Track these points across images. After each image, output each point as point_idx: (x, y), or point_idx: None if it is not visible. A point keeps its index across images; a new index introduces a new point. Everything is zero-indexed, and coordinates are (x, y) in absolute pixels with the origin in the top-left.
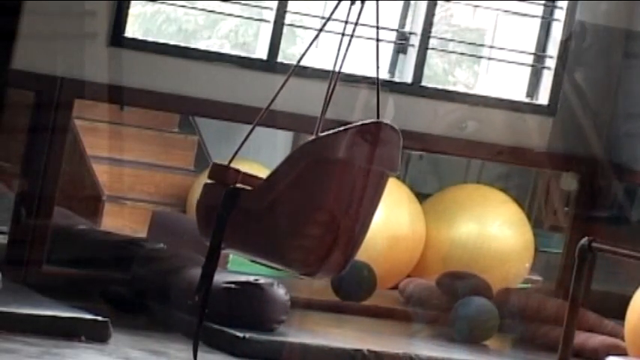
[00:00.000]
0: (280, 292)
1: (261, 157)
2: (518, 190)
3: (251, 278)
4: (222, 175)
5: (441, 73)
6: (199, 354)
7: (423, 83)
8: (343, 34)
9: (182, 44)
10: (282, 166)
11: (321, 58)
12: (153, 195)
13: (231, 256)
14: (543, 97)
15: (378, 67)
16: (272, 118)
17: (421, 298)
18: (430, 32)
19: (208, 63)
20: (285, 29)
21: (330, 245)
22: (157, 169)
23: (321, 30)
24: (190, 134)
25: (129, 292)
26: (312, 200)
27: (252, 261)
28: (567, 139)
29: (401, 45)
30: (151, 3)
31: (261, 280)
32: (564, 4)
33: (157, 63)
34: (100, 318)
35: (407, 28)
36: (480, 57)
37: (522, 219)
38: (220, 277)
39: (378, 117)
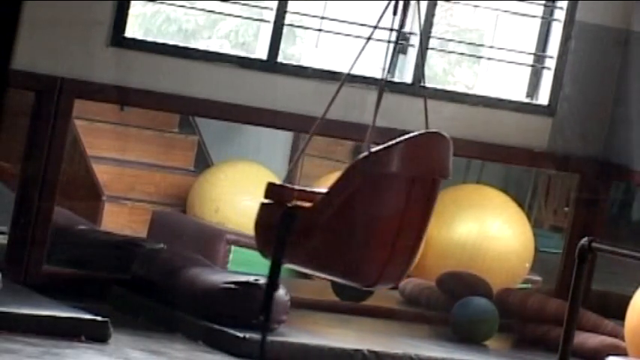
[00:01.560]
0: (280, 292)
1: (261, 157)
2: (518, 190)
3: (251, 278)
4: (278, 194)
5: (441, 73)
6: (199, 354)
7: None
8: (389, 41)
9: (182, 44)
10: (338, 183)
11: (321, 58)
12: (153, 195)
13: (231, 256)
14: (543, 97)
15: (423, 76)
16: (272, 118)
17: (421, 298)
18: (430, 32)
19: (208, 63)
20: (285, 29)
21: (389, 256)
22: (157, 169)
23: (369, 39)
24: (190, 134)
25: (129, 292)
26: (369, 214)
27: (311, 275)
28: (567, 139)
29: (401, 45)
30: (151, 3)
31: (261, 280)
32: (564, 4)
33: (157, 63)
34: (100, 318)
35: (407, 28)
36: (480, 57)
37: (522, 219)
38: (220, 277)
39: (426, 126)
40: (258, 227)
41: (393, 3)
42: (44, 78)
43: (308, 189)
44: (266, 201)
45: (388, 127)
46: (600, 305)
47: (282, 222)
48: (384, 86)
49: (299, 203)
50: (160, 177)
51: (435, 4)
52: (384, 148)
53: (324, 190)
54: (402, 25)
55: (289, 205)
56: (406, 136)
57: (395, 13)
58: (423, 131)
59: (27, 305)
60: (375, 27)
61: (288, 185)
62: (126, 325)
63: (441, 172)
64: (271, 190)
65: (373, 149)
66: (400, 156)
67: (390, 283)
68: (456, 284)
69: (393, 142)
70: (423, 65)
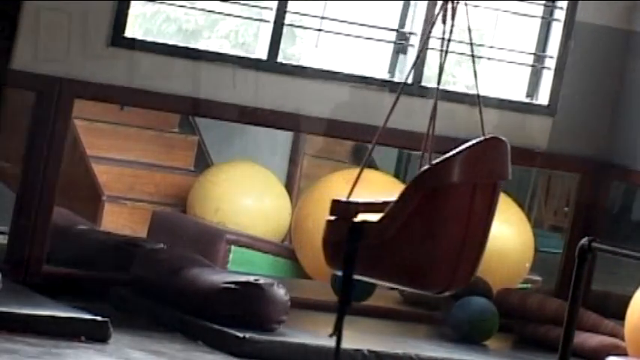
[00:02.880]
0: (280, 292)
1: (261, 157)
2: (518, 190)
3: (251, 278)
4: (343, 211)
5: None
6: (199, 354)
7: (423, 83)
8: (441, 50)
9: (182, 44)
10: (402, 198)
11: (321, 58)
12: (153, 195)
13: (231, 256)
14: (543, 97)
15: (476, 83)
16: (272, 118)
17: (421, 298)
18: (430, 32)
19: (208, 63)
20: (285, 29)
21: (457, 262)
22: (157, 169)
23: (422, 48)
24: (190, 134)
25: (129, 292)
26: (436, 225)
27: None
28: (567, 139)
29: (401, 45)
30: (150, 3)
31: (261, 280)
32: (564, 4)
33: (156, 63)
34: (100, 318)
35: (407, 28)
36: (480, 57)
37: (522, 219)
38: (220, 277)
39: (483, 133)
40: (326, 244)
41: (442, 11)
42: (44, 78)
43: (371, 201)
44: (331, 217)
45: (388, 127)
46: (600, 305)
47: (350, 237)
48: (438, 95)
49: (364, 217)
50: (160, 177)
51: (435, 4)
52: (445, 160)
53: (387, 199)
54: (451, 31)
55: (355, 220)
56: (465, 145)
57: (444, 21)
58: (481, 138)
59: (27, 305)
60: (428, 36)
61: (352, 200)
62: (126, 325)
63: (500, 175)
64: (335, 207)
65: (434, 162)
66: (461, 166)
67: (459, 287)
68: None
69: (453, 152)
70: (475, 67)
